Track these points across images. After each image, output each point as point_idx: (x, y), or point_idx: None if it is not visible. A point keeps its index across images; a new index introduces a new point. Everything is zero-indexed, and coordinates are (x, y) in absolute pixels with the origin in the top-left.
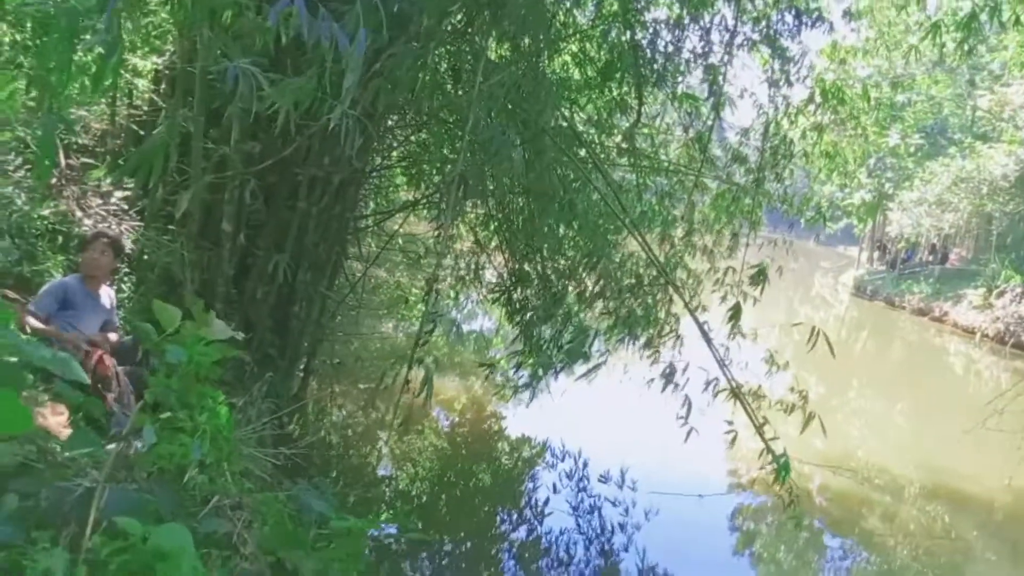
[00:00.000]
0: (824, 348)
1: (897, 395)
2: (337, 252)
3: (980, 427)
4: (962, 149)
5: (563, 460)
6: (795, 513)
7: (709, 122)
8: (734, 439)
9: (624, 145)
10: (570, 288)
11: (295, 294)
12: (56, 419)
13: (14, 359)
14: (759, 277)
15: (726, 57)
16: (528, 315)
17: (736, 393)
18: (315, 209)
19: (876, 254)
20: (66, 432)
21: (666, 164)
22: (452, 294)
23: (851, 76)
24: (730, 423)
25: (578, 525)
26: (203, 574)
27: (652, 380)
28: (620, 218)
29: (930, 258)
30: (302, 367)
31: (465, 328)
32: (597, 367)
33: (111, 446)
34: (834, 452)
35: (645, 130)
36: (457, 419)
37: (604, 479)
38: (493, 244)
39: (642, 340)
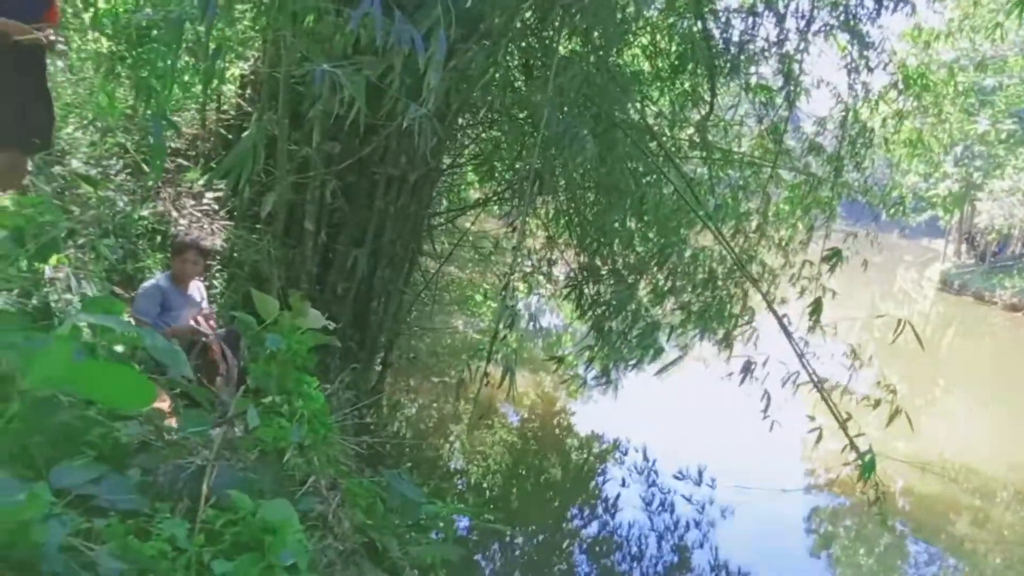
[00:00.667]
0: (907, 346)
1: (987, 395)
2: (413, 249)
3: None
4: None
5: (633, 456)
6: (881, 511)
7: (784, 112)
8: (820, 436)
9: (696, 138)
10: (642, 283)
11: (373, 290)
12: (162, 404)
13: (123, 348)
14: (834, 259)
15: (802, 44)
16: (599, 310)
17: (819, 387)
18: (392, 207)
19: (964, 247)
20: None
21: (739, 156)
22: (524, 289)
23: (935, 60)
24: (812, 418)
25: (650, 520)
26: (306, 546)
27: (730, 374)
28: (694, 210)
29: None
30: (379, 361)
31: (535, 326)
32: (674, 362)
33: (217, 429)
34: (919, 452)
35: (718, 122)
36: (527, 415)
37: (681, 476)
38: (564, 240)
39: (718, 335)
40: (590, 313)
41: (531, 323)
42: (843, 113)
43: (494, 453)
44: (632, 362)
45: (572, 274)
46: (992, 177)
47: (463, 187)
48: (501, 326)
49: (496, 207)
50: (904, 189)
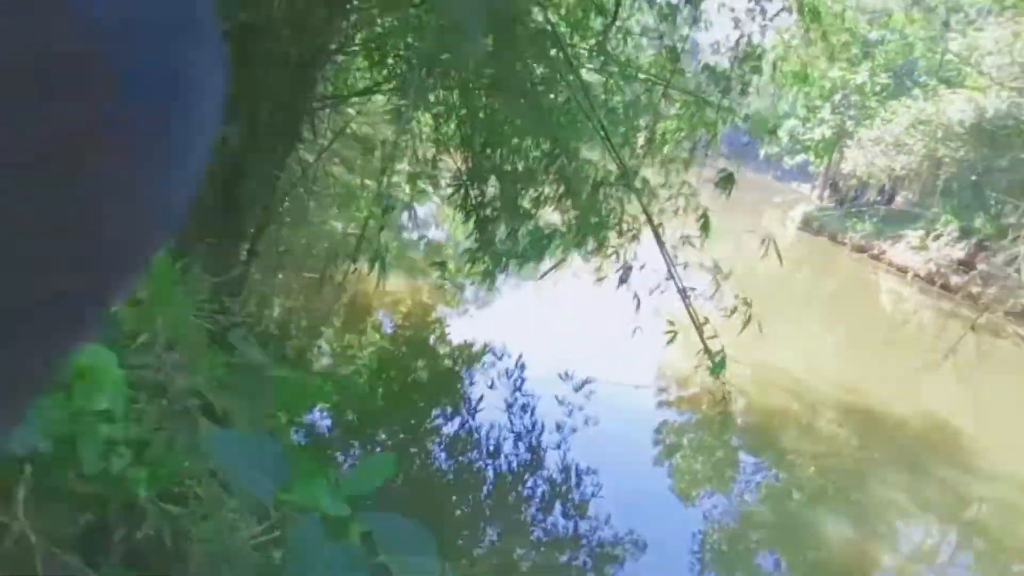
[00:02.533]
0: (764, 275)
1: (826, 322)
2: (291, 134)
3: (932, 365)
4: (926, 92)
5: (504, 361)
6: (724, 409)
7: (684, 32)
8: (673, 337)
9: (596, 48)
10: (530, 189)
11: (243, 172)
12: None
13: None
14: (726, 182)
15: None
16: (484, 212)
17: (682, 294)
18: (272, 85)
19: (827, 191)
20: None
21: (636, 71)
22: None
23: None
24: (672, 323)
25: (511, 421)
26: (125, 395)
27: (604, 277)
28: (588, 116)
29: (878, 198)
30: (246, 249)
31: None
32: (554, 267)
33: None
34: (765, 368)
35: (620, 35)
36: (401, 319)
37: (550, 379)
38: (453, 142)
39: (599, 244)
40: (474, 215)
41: (413, 227)
42: (738, 36)
43: (362, 354)
44: (513, 266)
45: (459, 174)
46: (862, 127)
47: (352, 76)
48: (373, 220)
49: (385, 98)
50: (783, 130)
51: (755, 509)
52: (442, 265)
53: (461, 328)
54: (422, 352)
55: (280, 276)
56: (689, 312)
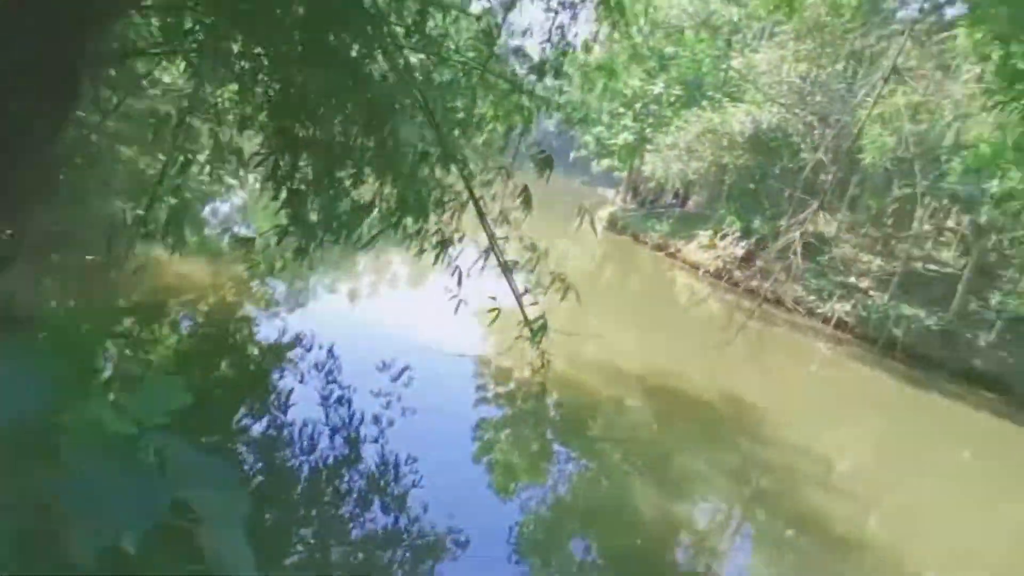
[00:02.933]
0: (574, 273)
1: (632, 314)
2: (68, 97)
3: (716, 346)
4: (714, 104)
5: (315, 351)
6: (542, 377)
7: (498, 19)
8: (497, 314)
9: (414, 27)
10: (347, 163)
11: (7, 138)
12: None
13: None
14: (545, 164)
15: None
16: (296, 184)
17: (503, 267)
18: (47, 44)
19: (630, 195)
20: None
21: (452, 52)
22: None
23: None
24: (494, 298)
25: (326, 415)
26: None
27: (423, 251)
28: (408, 93)
29: (673, 201)
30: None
31: (217, 215)
32: (374, 239)
33: None
34: (578, 355)
35: (437, 15)
36: (204, 306)
37: (372, 369)
38: (261, 114)
39: (418, 220)
40: (285, 188)
41: (214, 215)
42: (550, 25)
43: (158, 348)
44: (330, 240)
45: (267, 142)
46: (660, 133)
47: (146, 32)
48: (171, 170)
49: (182, 61)
50: (590, 136)
51: (571, 490)
52: (248, 242)
53: (272, 319)
54: (225, 345)
55: (55, 257)
56: (509, 284)
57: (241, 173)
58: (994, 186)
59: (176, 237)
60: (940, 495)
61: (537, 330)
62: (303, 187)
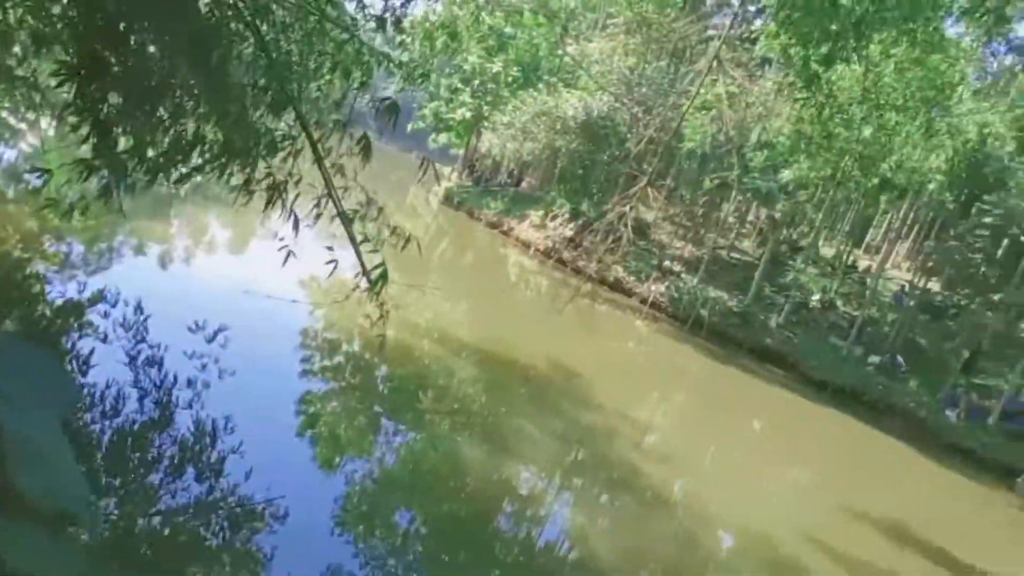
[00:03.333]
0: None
1: (466, 287)
2: None
3: (544, 318)
4: (549, 88)
5: (121, 307)
6: (381, 329)
7: None
8: (335, 266)
9: None
10: (168, 95)
11: None
12: None
13: None
14: (391, 110)
15: None
16: (103, 112)
17: (341, 215)
18: None
19: (466, 172)
20: None
21: None
22: None
23: None
24: (330, 248)
25: (135, 376)
26: None
27: (251, 192)
28: (239, 19)
29: (508, 180)
30: None
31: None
32: (188, 177)
33: None
34: (414, 325)
35: None
36: None
37: (193, 329)
38: (61, 35)
39: (248, 160)
40: (89, 116)
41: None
42: None
43: None
44: (141, 182)
45: (70, 60)
46: (497, 111)
47: None
48: None
49: None
50: (429, 110)
51: (399, 460)
52: (45, 172)
53: (72, 273)
54: (9, 301)
55: None
56: (348, 232)
57: (34, 112)
58: (785, 176)
59: None
60: (733, 458)
61: (377, 279)
62: (112, 117)
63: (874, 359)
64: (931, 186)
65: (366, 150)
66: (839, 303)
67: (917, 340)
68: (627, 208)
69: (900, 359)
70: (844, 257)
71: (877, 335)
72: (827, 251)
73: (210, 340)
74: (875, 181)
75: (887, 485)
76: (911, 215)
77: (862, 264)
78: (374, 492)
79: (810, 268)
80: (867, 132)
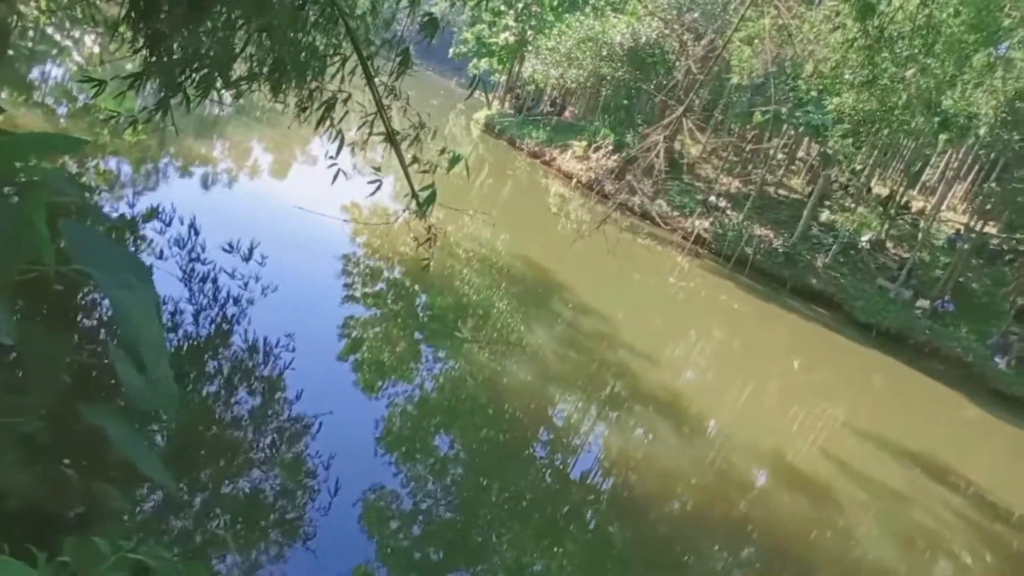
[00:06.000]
0: (454, 176)
1: (505, 215)
2: None
3: (574, 244)
4: (596, 12)
5: (175, 225)
6: (428, 252)
7: None
8: (379, 185)
9: None
10: (215, 8)
11: None
12: None
13: None
14: (431, 26)
15: None
16: (155, 25)
17: (390, 135)
18: None
19: (508, 98)
20: None
21: None
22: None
23: None
24: (377, 169)
25: (188, 291)
26: None
27: (305, 111)
28: None
29: (551, 109)
30: None
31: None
32: (238, 85)
33: None
34: (458, 245)
35: None
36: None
37: (229, 249)
38: None
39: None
40: (143, 29)
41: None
42: None
43: None
44: (195, 96)
45: None
46: (541, 36)
47: None
48: None
49: None
50: (471, 34)
51: (439, 388)
52: (100, 85)
53: (127, 179)
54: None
55: None
56: (397, 153)
57: (84, 27)
58: (830, 106)
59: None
60: (770, 394)
61: (426, 200)
62: (164, 30)
63: (923, 303)
64: (981, 130)
65: (404, 62)
66: (889, 244)
67: (969, 285)
68: (661, 138)
69: (950, 303)
70: (897, 197)
71: (927, 278)
72: (880, 190)
73: (261, 260)
74: (933, 120)
75: (927, 425)
76: (970, 156)
77: (916, 205)
78: (414, 416)
79: (861, 208)
80: (911, 72)
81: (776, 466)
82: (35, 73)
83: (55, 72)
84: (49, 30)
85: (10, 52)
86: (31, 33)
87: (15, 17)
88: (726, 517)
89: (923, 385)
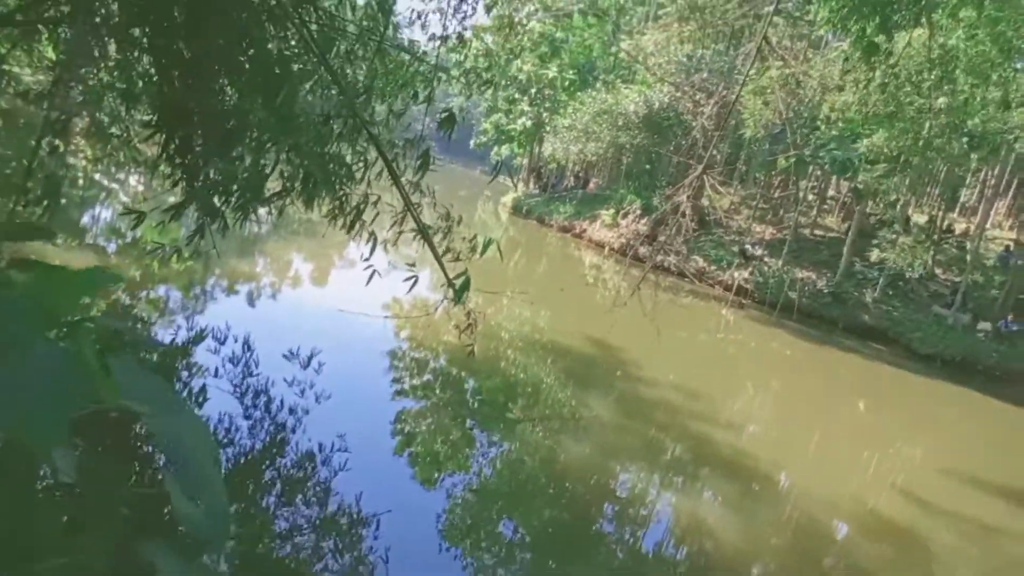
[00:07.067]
0: (486, 260)
1: (543, 290)
2: None
3: (611, 309)
4: (607, 86)
5: (227, 343)
6: (471, 339)
7: None
8: (415, 280)
9: None
10: (246, 133)
11: None
12: None
13: None
14: (448, 123)
15: None
16: (189, 158)
17: (421, 229)
18: None
19: (531, 179)
20: None
21: (347, 22)
22: (87, 152)
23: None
24: (412, 264)
25: (243, 406)
26: None
27: (337, 217)
28: (307, 51)
29: (575, 184)
30: None
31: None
32: (273, 201)
33: None
34: (498, 332)
35: None
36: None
37: (288, 356)
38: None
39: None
40: (179, 166)
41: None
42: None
43: None
44: (233, 214)
45: (156, 114)
46: (557, 115)
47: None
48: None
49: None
50: (489, 124)
51: (495, 471)
52: (140, 216)
53: (171, 305)
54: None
55: None
56: (429, 245)
57: (126, 169)
58: (862, 147)
59: (51, 201)
60: (840, 441)
61: (461, 287)
62: (199, 162)
63: (984, 325)
64: (1017, 145)
65: (425, 163)
66: (938, 271)
67: None
68: (684, 197)
69: (1013, 323)
70: (938, 222)
71: (984, 300)
72: (919, 218)
73: (306, 365)
74: (963, 142)
75: (1012, 454)
76: (1007, 171)
77: (958, 227)
78: (475, 504)
79: (902, 238)
80: (941, 101)
81: (857, 515)
82: (86, 217)
83: (104, 214)
84: (96, 176)
85: (63, 201)
86: (80, 181)
87: (64, 168)
88: (812, 575)
89: (1000, 411)
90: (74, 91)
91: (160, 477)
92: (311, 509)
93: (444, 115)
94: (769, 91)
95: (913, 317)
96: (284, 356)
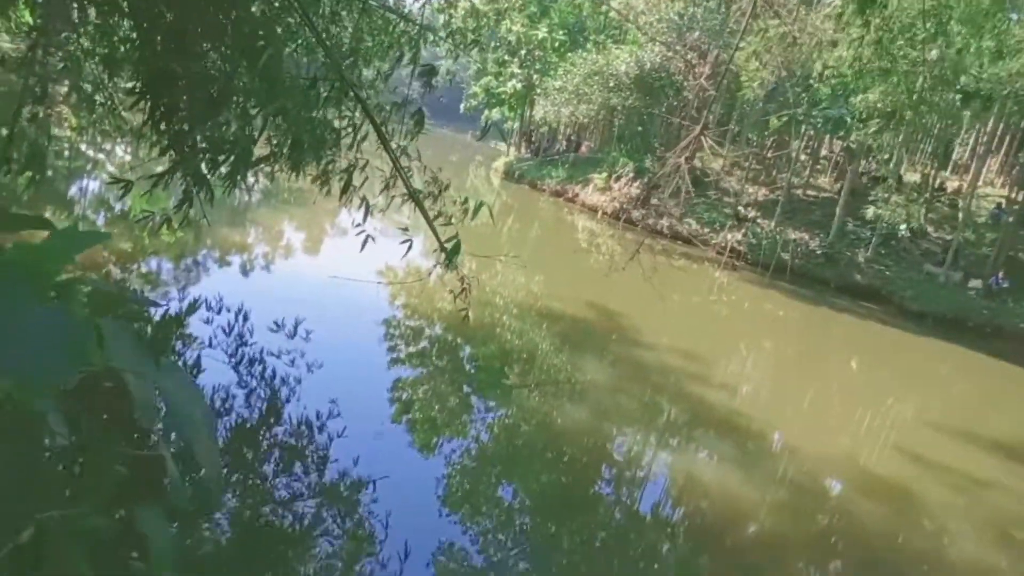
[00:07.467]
0: (479, 223)
1: (536, 255)
2: None
3: (608, 274)
4: (598, 47)
5: (222, 313)
6: (464, 303)
7: None
8: (410, 245)
9: None
10: (231, 100)
11: None
12: None
13: None
14: (430, 73)
15: None
16: (176, 125)
17: (411, 194)
18: None
19: (523, 144)
20: None
21: None
22: (72, 121)
23: None
24: (405, 229)
25: (238, 376)
26: None
27: (327, 182)
28: (290, 11)
29: (567, 147)
30: None
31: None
32: (260, 164)
33: None
34: (492, 292)
35: None
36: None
37: (276, 327)
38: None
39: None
40: (165, 129)
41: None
42: None
43: None
44: (220, 183)
45: (140, 80)
46: (548, 78)
47: None
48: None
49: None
50: (479, 87)
51: (493, 436)
52: (127, 184)
53: (166, 273)
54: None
55: None
56: (420, 209)
57: (112, 138)
58: (856, 103)
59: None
60: (833, 398)
61: (452, 251)
62: (185, 128)
63: (975, 283)
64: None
65: (419, 123)
66: (930, 229)
67: (1020, 258)
68: (682, 159)
69: (1004, 280)
70: (931, 180)
71: (976, 258)
72: (911, 176)
73: (306, 335)
74: (957, 97)
75: (1004, 408)
76: (1000, 127)
77: (951, 185)
78: (473, 469)
79: (894, 196)
80: (934, 53)
81: (851, 472)
82: (74, 189)
83: (92, 185)
84: (82, 147)
85: (48, 173)
86: (66, 152)
87: (48, 139)
88: (808, 532)
89: (992, 367)
90: (53, 57)
91: (155, 439)
92: (310, 476)
93: (426, 68)
94: (765, 49)
95: (905, 275)
96: (273, 326)
